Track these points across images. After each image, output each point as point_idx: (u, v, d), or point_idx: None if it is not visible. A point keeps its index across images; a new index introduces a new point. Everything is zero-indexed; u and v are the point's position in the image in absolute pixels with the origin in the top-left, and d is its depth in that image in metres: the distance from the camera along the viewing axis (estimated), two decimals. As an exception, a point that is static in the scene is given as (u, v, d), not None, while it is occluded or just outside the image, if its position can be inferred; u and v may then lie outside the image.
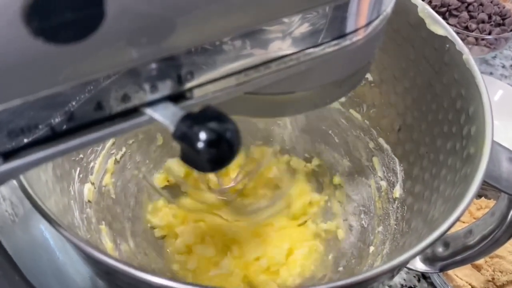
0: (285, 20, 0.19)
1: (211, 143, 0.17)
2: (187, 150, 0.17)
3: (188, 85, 0.19)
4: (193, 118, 0.17)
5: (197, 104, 0.20)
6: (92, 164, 0.39)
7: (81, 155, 0.37)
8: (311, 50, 0.21)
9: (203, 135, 0.17)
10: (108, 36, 0.16)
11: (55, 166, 0.33)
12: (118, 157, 0.42)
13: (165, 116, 0.18)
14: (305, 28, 0.20)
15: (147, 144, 0.44)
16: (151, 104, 0.19)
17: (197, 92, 0.20)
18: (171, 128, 0.18)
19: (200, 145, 0.17)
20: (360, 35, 0.21)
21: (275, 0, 0.19)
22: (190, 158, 0.18)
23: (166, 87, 0.19)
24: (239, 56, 0.20)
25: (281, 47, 0.20)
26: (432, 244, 0.23)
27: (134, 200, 0.43)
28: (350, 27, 0.21)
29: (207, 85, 0.20)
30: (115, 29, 0.15)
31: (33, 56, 0.15)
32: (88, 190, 0.37)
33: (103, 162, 0.40)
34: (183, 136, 0.17)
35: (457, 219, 0.23)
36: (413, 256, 0.23)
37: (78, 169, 0.36)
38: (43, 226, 0.34)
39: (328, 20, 0.20)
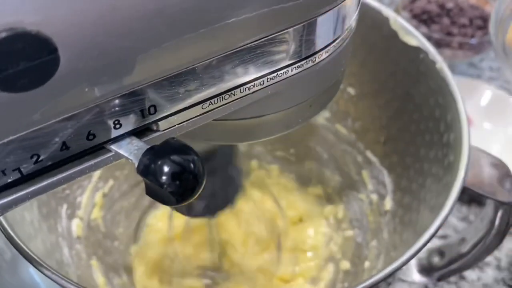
0: (246, 47, 0.20)
1: (174, 176, 0.17)
2: (151, 184, 0.17)
3: (153, 118, 0.19)
4: (155, 151, 0.17)
5: (165, 135, 0.20)
6: (79, 199, 0.39)
7: (68, 191, 0.37)
8: (274, 74, 0.21)
9: (165, 168, 0.17)
10: (66, 79, 0.16)
11: (40, 204, 0.33)
12: (106, 190, 0.42)
13: (129, 151, 0.18)
14: (267, 53, 0.20)
15: (134, 175, 0.44)
16: (116, 139, 0.19)
17: (162, 124, 0.20)
18: (135, 163, 0.18)
19: (163, 178, 0.17)
20: (323, 56, 0.22)
21: (234, 31, 0.19)
22: (155, 192, 0.18)
23: (130, 123, 0.19)
24: (201, 86, 0.20)
25: (244, 73, 0.20)
26: (411, 259, 0.23)
27: (125, 232, 0.42)
28: (312, 48, 0.21)
29: (173, 116, 0.20)
30: (71, 72, 0.16)
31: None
32: (76, 226, 0.37)
33: (90, 196, 0.40)
34: (146, 170, 0.17)
35: (437, 229, 0.23)
36: (393, 271, 0.23)
37: (65, 205, 0.36)
38: (32, 269, 0.34)
39: (290, 44, 0.20)
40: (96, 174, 0.41)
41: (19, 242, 0.25)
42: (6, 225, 0.25)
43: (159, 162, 0.17)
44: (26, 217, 0.30)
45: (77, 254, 0.36)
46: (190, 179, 0.17)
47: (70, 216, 0.37)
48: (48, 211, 0.34)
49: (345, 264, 0.42)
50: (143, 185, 0.46)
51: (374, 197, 0.42)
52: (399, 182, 0.39)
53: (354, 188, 0.44)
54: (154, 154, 0.17)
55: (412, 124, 0.36)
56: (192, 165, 0.17)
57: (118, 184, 0.43)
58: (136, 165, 0.18)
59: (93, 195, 0.40)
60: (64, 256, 0.34)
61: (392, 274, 0.27)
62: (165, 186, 0.17)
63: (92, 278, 0.36)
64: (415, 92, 0.35)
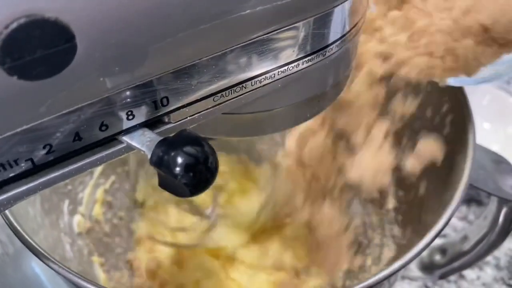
0: (258, 39, 0.20)
1: (187, 168, 0.17)
2: (164, 176, 0.17)
3: (165, 110, 0.19)
4: (168, 143, 0.17)
5: (176, 127, 0.20)
6: (80, 195, 0.38)
7: (70, 187, 0.37)
8: (285, 67, 0.21)
9: (179, 160, 0.17)
10: (82, 68, 0.16)
11: (43, 199, 0.33)
12: (107, 186, 0.42)
13: (142, 142, 0.18)
14: (278, 46, 0.20)
15: (135, 171, 0.44)
16: (128, 131, 0.19)
17: (174, 116, 0.20)
18: (148, 154, 0.18)
19: (177, 170, 0.17)
20: (333, 49, 0.22)
21: (248, 23, 0.19)
22: (169, 183, 0.17)
23: (142, 114, 0.19)
24: (214, 78, 0.20)
25: (255, 66, 0.20)
26: (417, 256, 0.23)
27: (126, 228, 0.42)
28: (323, 42, 0.21)
29: (184, 108, 0.20)
30: (88, 61, 0.16)
31: (10, 94, 0.15)
32: (78, 222, 0.37)
33: (92, 192, 0.40)
34: (160, 161, 0.17)
35: (444, 226, 0.23)
36: (398, 269, 0.23)
37: (67, 201, 0.36)
38: (35, 263, 0.34)
39: (302, 37, 0.20)
40: (98, 170, 0.40)
41: (25, 235, 0.25)
42: (12, 219, 0.25)
43: (172, 154, 0.17)
44: (29, 212, 0.30)
45: (79, 250, 0.36)
46: (204, 170, 0.17)
47: (72, 212, 0.37)
48: (50, 207, 0.34)
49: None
50: (144, 181, 0.45)
51: (377, 195, 0.42)
52: (402, 180, 0.39)
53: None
54: (168, 146, 0.17)
55: (416, 121, 0.36)
56: (205, 157, 0.17)
57: (119, 180, 0.43)
58: (149, 156, 0.18)
59: (94, 191, 0.40)
60: (66, 252, 0.34)
61: (397, 271, 0.27)
62: (179, 177, 0.17)
63: (94, 274, 0.36)
64: (420, 90, 0.35)
